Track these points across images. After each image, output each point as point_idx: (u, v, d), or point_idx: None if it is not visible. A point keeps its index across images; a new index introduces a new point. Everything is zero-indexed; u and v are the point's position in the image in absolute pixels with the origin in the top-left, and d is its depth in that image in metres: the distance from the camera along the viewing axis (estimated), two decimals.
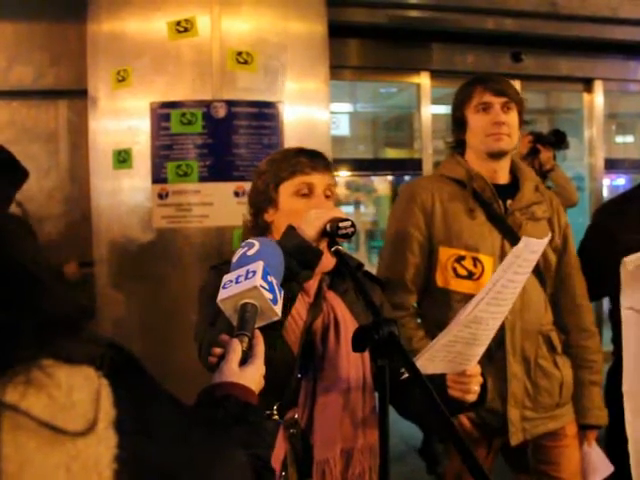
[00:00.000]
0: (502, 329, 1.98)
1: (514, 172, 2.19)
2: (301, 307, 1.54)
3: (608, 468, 2.19)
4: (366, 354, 1.49)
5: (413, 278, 2.09)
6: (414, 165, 5.30)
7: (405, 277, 2.08)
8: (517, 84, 5.12)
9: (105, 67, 3.13)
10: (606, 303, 2.76)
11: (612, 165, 5.85)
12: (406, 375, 1.34)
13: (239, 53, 3.01)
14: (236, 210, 2.86)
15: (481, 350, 1.53)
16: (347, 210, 7.03)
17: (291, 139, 3.05)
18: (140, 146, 3.03)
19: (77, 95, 3.53)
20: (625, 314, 2.15)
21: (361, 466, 1.51)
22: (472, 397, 1.53)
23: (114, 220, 3.14)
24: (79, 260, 3.34)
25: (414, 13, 4.66)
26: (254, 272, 1.12)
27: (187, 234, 3.01)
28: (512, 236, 2.03)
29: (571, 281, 2.20)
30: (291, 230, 1.43)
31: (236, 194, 2.96)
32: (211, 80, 2.99)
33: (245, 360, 1.03)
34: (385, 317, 1.17)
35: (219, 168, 2.98)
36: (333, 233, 1.40)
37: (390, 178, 7.07)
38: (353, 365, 1.54)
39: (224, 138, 2.99)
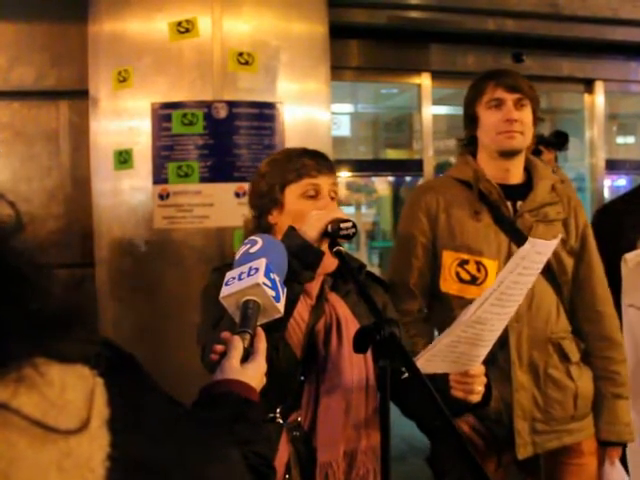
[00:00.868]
0: (505, 335, 1.86)
1: (529, 171, 2.10)
2: (303, 309, 1.53)
3: None
4: (369, 355, 1.49)
5: (416, 282, 2.04)
6: (415, 166, 5.29)
7: (409, 282, 2.04)
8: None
9: (106, 68, 3.13)
10: None
11: (613, 166, 5.84)
12: (407, 374, 1.34)
13: (240, 54, 3.00)
14: (237, 211, 2.86)
15: (485, 351, 1.51)
16: (348, 211, 7.03)
17: (292, 140, 3.04)
18: (141, 147, 3.03)
19: (78, 96, 3.52)
20: (626, 311, 2.14)
21: (364, 468, 1.51)
22: (476, 398, 1.52)
23: (115, 220, 3.14)
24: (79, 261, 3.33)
25: (415, 14, 4.65)
26: (257, 269, 1.12)
27: (188, 235, 3.00)
28: (520, 239, 1.91)
29: (590, 285, 2.06)
30: (292, 231, 1.42)
31: (237, 195, 2.96)
32: (212, 81, 2.99)
33: (247, 357, 1.03)
34: (387, 318, 1.17)
35: (220, 169, 2.98)
36: (334, 234, 1.39)
37: (391, 179, 7.06)
38: (356, 366, 1.53)
39: (225, 139, 2.99)
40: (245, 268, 1.13)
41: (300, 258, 1.37)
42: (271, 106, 3.06)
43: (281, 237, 1.45)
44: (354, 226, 1.41)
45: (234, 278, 1.13)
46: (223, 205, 2.97)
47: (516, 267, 1.37)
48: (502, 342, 1.81)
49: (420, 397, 1.09)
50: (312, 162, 1.59)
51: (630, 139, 7.64)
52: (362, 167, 5.79)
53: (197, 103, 2.98)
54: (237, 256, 1.20)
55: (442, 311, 2.04)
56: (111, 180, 3.14)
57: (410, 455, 3.92)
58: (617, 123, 7.15)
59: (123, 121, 3.09)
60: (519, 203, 2.04)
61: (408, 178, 5.99)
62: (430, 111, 5.16)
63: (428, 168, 5.13)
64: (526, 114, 2.03)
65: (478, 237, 1.99)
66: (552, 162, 3.92)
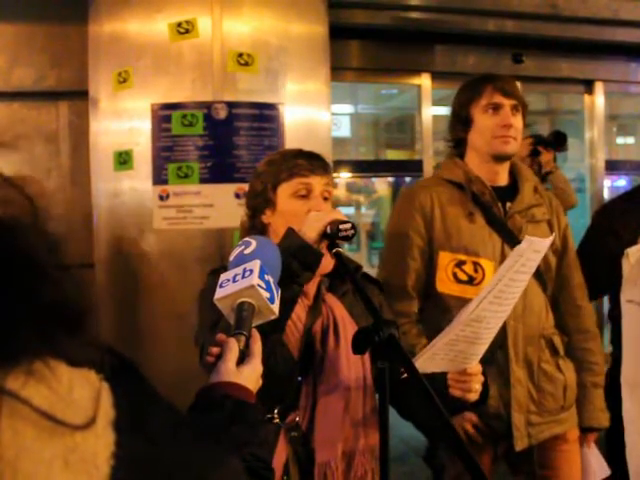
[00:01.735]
0: (504, 333, 1.96)
1: (513, 173, 2.15)
2: (300, 310, 1.53)
3: (605, 471, 2.19)
4: (366, 354, 1.49)
5: (414, 284, 2.06)
6: (415, 166, 5.29)
7: (407, 283, 2.05)
8: (518, 86, 5.12)
9: (106, 68, 3.13)
10: (606, 304, 2.76)
11: (613, 166, 5.84)
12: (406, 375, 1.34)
13: (240, 54, 3.01)
14: (237, 212, 2.84)
15: (483, 349, 1.53)
16: (348, 211, 7.03)
17: (292, 141, 3.04)
18: (141, 147, 3.03)
19: (78, 96, 3.52)
20: (625, 307, 2.17)
21: (362, 468, 1.51)
22: (473, 396, 1.53)
23: (115, 221, 3.14)
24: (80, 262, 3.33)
25: (415, 15, 4.65)
26: (251, 271, 1.11)
27: (188, 236, 3.00)
28: (512, 239, 1.99)
29: (571, 283, 2.18)
30: (292, 232, 1.43)
31: (237, 196, 2.96)
32: (212, 81, 2.99)
33: (242, 359, 1.03)
34: (385, 319, 1.17)
35: (220, 170, 2.98)
36: (333, 235, 1.40)
37: (391, 179, 7.06)
38: (353, 367, 1.54)
39: (225, 140, 2.99)
40: (239, 270, 1.13)
41: (300, 259, 1.37)
42: (271, 107, 3.06)
43: (279, 238, 1.45)
44: (353, 227, 1.41)
45: (228, 280, 1.12)
46: (223, 206, 2.97)
47: (514, 264, 1.39)
48: (500, 340, 1.84)
49: (418, 398, 1.09)
50: (305, 162, 1.59)
51: (630, 140, 7.64)
52: (362, 168, 5.79)
53: (197, 104, 2.99)
54: (231, 258, 1.20)
55: (436, 311, 2.06)
56: (111, 181, 3.14)
57: (409, 456, 3.92)
58: (617, 124, 7.15)
59: (123, 122, 3.09)
60: (508, 204, 2.09)
61: (408, 179, 5.99)
62: (430, 112, 5.16)
63: (428, 169, 5.13)
64: (519, 120, 2.08)
65: (474, 238, 2.03)
66: (551, 162, 3.91)
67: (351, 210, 7.16)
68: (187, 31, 2.98)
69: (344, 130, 6.99)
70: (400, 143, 7.28)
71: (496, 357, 1.97)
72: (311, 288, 1.58)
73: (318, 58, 3.29)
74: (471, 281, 2.00)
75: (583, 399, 2.14)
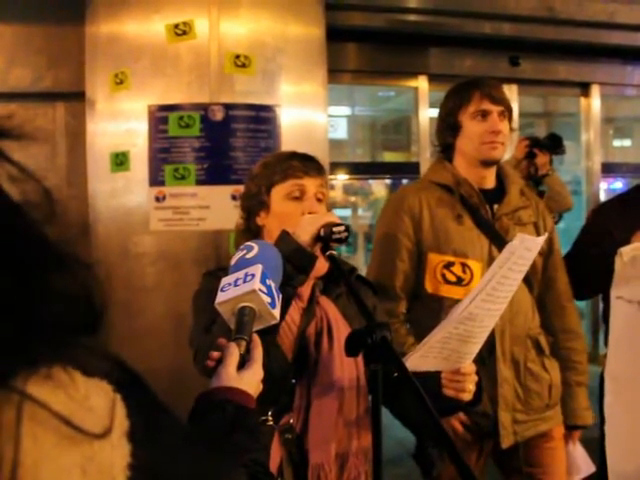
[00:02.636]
0: (491, 333, 1.98)
1: (500, 176, 2.19)
2: (295, 312, 1.54)
3: (590, 468, 2.23)
4: (360, 356, 1.50)
5: (402, 285, 2.09)
6: (411, 168, 5.31)
7: (395, 284, 2.08)
8: (514, 88, 5.15)
9: (103, 70, 3.14)
10: (602, 306, 2.76)
11: (609, 169, 5.87)
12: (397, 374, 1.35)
13: (237, 56, 3.01)
14: (233, 213, 2.84)
15: (476, 348, 1.53)
16: (345, 213, 7.04)
17: (288, 142, 3.05)
18: (138, 149, 3.04)
19: (75, 97, 3.52)
20: (614, 303, 2.20)
21: (356, 470, 1.51)
22: (467, 396, 1.53)
23: (111, 223, 3.14)
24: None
25: (412, 17, 4.67)
26: (253, 275, 1.11)
27: (184, 237, 3.01)
28: (500, 241, 2.02)
29: (556, 283, 2.21)
30: (286, 235, 1.43)
31: (233, 197, 2.96)
32: (209, 83, 3.00)
33: (243, 364, 1.03)
34: (378, 322, 1.17)
35: (216, 171, 2.98)
36: (327, 238, 1.40)
37: (388, 181, 7.07)
38: (347, 369, 1.54)
39: (221, 141, 3.00)
40: (241, 274, 1.13)
41: (293, 262, 1.37)
42: (268, 109, 3.07)
43: (273, 240, 1.45)
44: (347, 230, 1.41)
45: (230, 284, 1.12)
46: (219, 207, 2.98)
47: (506, 262, 1.40)
48: (489, 341, 1.86)
49: (410, 399, 1.09)
50: (299, 164, 1.59)
51: (626, 142, 7.67)
52: (359, 170, 5.81)
53: (194, 105, 2.99)
54: (233, 262, 1.20)
55: (426, 312, 2.08)
56: (107, 182, 3.14)
57: (405, 457, 3.92)
58: (613, 126, 7.18)
59: (120, 123, 3.09)
60: (495, 207, 2.12)
61: (405, 181, 5.99)
62: (427, 114, 5.18)
63: (425, 171, 5.13)
64: (506, 125, 2.11)
65: (462, 240, 2.06)
66: (547, 165, 3.92)
67: (348, 212, 7.17)
68: (184, 33, 2.99)
69: (341, 132, 7.00)
70: (397, 145, 7.29)
71: (485, 357, 1.99)
72: (305, 290, 1.58)
73: (315, 60, 3.29)
74: (460, 282, 2.04)
75: (568, 397, 2.18)
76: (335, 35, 3.72)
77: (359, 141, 7.52)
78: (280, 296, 1.15)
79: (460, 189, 2.09)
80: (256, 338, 1.08)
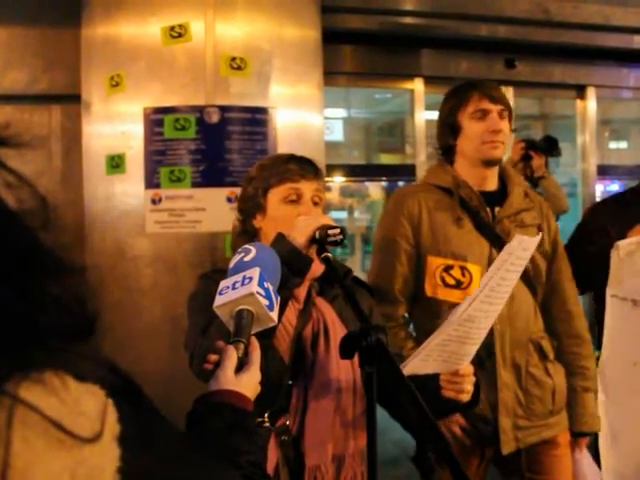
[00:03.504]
0: (491, 337, 1.97)
1: (502, 178, 2.17)
2: (291, 314, 1.54)
3: (597, 475, 2.19)
4: (356, 358, 1.50)
5: (402, 289, 2.08)
6: (407, 171, 5.30)
7: (394, 288, 2.07)
8: (510, 90, 5.15)
9: (99, 72, 3.13)
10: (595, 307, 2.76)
11: (605, 171, 5.87)
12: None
13: (233, 59, 3.01)
14: (229, 216, 2.83)
15: (474, 349, 1.54)
16: (341, 215, 7.05)
17: (284, 145, 3.05)
18: (133, 151, 3.03)
19: (71, 100, 3.51)
20: (609, 301, 2.20)
21: (352, 471, 1.51)
22: (466, 397, 1.54)
23: (107, 225, 3.14)
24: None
25: (408, 20, 4.67)
26: (250, 278, 1.12)
27: (180, 239, 3.00)
28: (500, 244, 1.98)
29: (561, 287, 2.18)
30: (281, 237, 1.43)
31: (229, 200, 2.96)
32: (205, 85, 2.99)
33: (241, 367, 1.03)
34: (373, 324, 1.18)
35: (212, 174, 2.98)
36: (322, 240, 1.40)
37: (384, 184, 7.08)
38: (343, 370, 1.54)
39: (217, 144, 2.99)
40: (239, 277, 1.13)
41: (289, 264, 1.37)
42: (263, 111, 3.07)
43: (267, 242, 1.46)
44: (342, 233, 1.41)
45: (228, 287, 1.13)
46: (215, 210, 2.97)
47: (504, 263, 1.41)
48: (487, 344, 1.86)
49: (407, 402, 1.10)
50: (296, 167, 1.60)
51: (622, 144, 7.69)
52: (355, 172, 5.81)
53: (189, 108, 2.99)
54: (231, 265, 1.20)
55: (425, 315, 2.09)
56: (103, 185, 3.14)
57: (403, 459, 3.92)
58: (609, 129, 7.19)
59: (115, 126, 3.09)
60: (497, 209, 2.10)
61: (401, 183, 6.00)
62: (423, 116, 5.18)
63: (421, 173, 5.14)
64: (506, 125, 2.10)
65: (461, 243, 2.05)
66: (542, 167, 3.93)
67: (344, 214, 7.17)
68: (180, 35, 2.99)
69: (337, 134, 6.99)
70: (393, 147, 7.29)
71: (482, 360, 1.98)
72: (301, 292, 1.58)
73: (311, 62, 3.29)
74: (459, 285, 2.02)
75: (574, 403, 2.14)
76: (331, 37, 3.72)
77: (355, 143, 7.52)
78: (278, 299, 1.15)
79: (460, 191, 2.07)
80: (254, 341, 1.09)
